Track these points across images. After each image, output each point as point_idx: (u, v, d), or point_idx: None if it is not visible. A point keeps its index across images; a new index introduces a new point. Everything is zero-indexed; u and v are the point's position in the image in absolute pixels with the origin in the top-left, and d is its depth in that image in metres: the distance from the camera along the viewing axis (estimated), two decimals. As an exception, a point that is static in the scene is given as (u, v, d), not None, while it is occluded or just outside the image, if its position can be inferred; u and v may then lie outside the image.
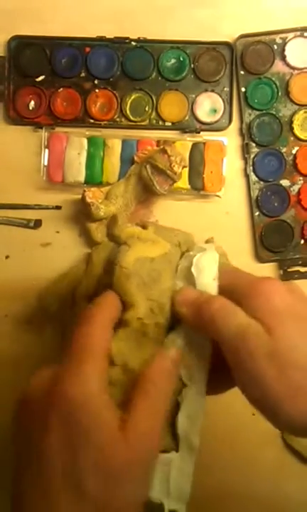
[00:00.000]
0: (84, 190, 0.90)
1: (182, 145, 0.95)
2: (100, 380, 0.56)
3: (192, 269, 0.66)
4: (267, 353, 0.56)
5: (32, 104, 0.97)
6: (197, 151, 0.95)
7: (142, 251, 0.69)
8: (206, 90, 0.97)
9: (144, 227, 0.76)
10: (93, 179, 0.94)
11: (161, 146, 0.91)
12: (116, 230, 0.69)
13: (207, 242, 0.94)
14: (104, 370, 0.58)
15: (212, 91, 0.97)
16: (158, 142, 0.94)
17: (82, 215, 0.94)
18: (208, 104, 0.98)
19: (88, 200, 0.89)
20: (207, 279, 0.65)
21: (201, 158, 0.95)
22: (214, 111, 0.97)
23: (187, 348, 0.65)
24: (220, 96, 0.97)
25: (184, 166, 0.90)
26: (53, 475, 0.52)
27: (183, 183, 0.94)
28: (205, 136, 0.96)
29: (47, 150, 0.94)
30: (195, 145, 0.95)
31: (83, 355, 0.57)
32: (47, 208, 0.96)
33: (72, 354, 0.58)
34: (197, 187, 0.95)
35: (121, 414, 0.56)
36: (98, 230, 0.92)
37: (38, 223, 0.96)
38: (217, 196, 0.96)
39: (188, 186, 0.95)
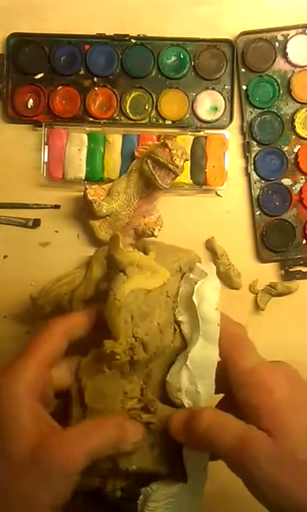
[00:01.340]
0: (86, 188, 0.90)
1: (184, 139, 0.95)
2: (31, 384, 0.61)
3: (194, 298, 0.66)
4: (274, 457, 0.55)
5: (30, 102, 0.97)
6: (198, 145, 0.96)
7: (139, 283, 0.68)
8: (207, 88, 0.98)
9: (146, 251, 0.76)
10: (94, 175, 0.95)
11: (162, 140, 0.91)
12: (117, 254, 0.68)
13: (207, 242, 0.94)
14: (41, 376, 0.63)
15: (213, 89, 0.98)
16: (158, 137, 0.94)
17: (81, 213, 0.95)
18: (209, 102, 0.98)
19: (90, 197, 0.90)
20: (209, 309, 0.65)
21: (203, 152, 0.96)
22: (215, 109, 0.98)
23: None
24: (221, 94, 0.97)
25: (185, 159, 0.91)
26: None
27: (185, 177, 0.95)
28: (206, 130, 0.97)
29: (47, 146, 0.95)
30: (196, 139, 0.96)
31: (27, 357, 0.64)
32: (46, 207, 0.96)
33: (20, 354, 0.65)
34: (200, 181, 0.95)
35: (48, 423, 0.61)
36: (101, 227, 0.93)
37: (36, 223, 0.96)
38: (219, 195, 0.96)
39: (190, 181, 0.95)
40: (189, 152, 0.95)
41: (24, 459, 0.57)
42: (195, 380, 0.65)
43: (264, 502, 0.57)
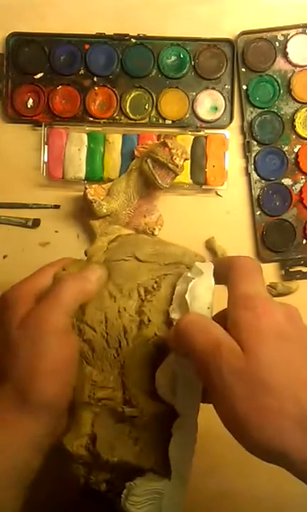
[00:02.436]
0: (86, 188, 0.91)
1: (184, 139, 0.96)
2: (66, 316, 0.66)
3: (186, 296, 0.65)
4: (238, 370, 0.54)
5: (30, 102, 0.98)
6: (199, 145, 0.97)
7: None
8: (207, 88, 0.99)
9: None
10: (94, 175, 0.96)
11: (162, 140, 0.92)
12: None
13: (207, 242, 0.95)
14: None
15: (213, 88, 0.99)
16: (158, 136, 0.95)
17: (82, 213, 0.96)
18: (209, 102, 0.99)
19: (90, 197, 0.91)
20: (201, 308, 0.64)
21: (203, 152, 0.97)
22: (215, 109, 0.99)
23: (179, 381, 0.65)
24: (221, 93, 0.99)
25: (185, 159, 0.92)
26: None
27: (185, 177, 0.96)
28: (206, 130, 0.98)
29: (46, 146, 0.96)
30: (196, 139, 0.97)
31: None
32: (45, 207, 0.97)
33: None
34: (200, 181, 0.96)
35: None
36: (101, 227, 0.94)
37: (36, 222, 0.97)
38: (219, 195, 0.97)
39: (190, 181, 0.96)
40: (189, 152, 0.96)
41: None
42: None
43: (221, 418, 0.57)
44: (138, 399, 0.68)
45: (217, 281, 0.64)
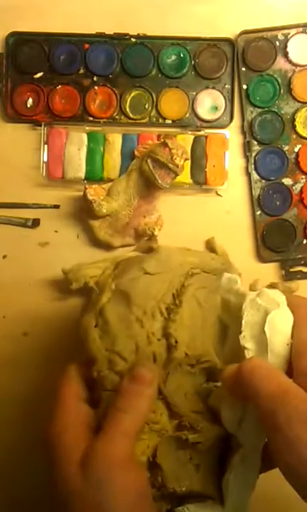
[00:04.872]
0: (86, 188, 0.94)
1: (184, 139, 0.98)
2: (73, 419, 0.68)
3: (266, 329, 0.66)
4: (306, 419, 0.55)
5: (30, 101, 1.00)
6: (199, 145, 0.99)
7: None
8: (207, 87, 1.01)
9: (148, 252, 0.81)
10: (94, 175, 0.98)
11: (162, 140, 0.95)
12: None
13: (207, 242, 0.98)
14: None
15: (213, 88, 1.01)
16: (159, 136, 0.97)
17: (81, 213, 0.98)
18: (209, 102, 1.01)
19: (90, 197, 0.93)
20: (281, 343, 0.65)
21: (203, 152, 0.99)
22: (215, 108, 1.01)
23: (248, 414, 0.66)
24: (221, 93, 1.01)
25: (186, 159, 0.94)
26: None
27: (185, 177, 0.98)
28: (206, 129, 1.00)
29: (46, 146, 0.98)
30: (196, 138, 0.99)
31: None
32: (45, 206, 0.99)
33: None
34: (200, 181, 0.98)
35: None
36: (101, 227, 0.96)
37: (36, 222, 0.99)
38: (219, 195, 1.00)
39: (190, 181, 0.98)
40: (189, 152, 0.98)
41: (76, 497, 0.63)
42: None
43: (281, 465, 0.58)
44: (200, 423, 0.70)
45: None
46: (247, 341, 0.67)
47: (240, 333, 0.68)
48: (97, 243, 0.99)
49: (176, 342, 0.70)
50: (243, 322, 0.68)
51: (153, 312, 0.72)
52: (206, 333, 0.74)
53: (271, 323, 0.65)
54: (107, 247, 0.98)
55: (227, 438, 0.71)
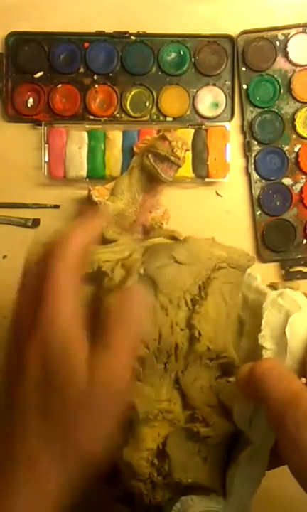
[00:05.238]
0: (90, 190, 0.94)
1: (185, 133, 0.99)
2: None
3: (287, 331, 0.65)
4: None
5: (30, 101, 1.01)
6: (199, 138, 0.99)
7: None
8: (207, 84, 1.02)
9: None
10: (95, 173, 0.99)
11: (160, 133, 0.95)
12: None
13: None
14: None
15: (214, 85, 1.02)
16: (158, 131, 0.98)
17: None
18: (209, 99, 1.02)
19: (95, 198, 0.93)
20: (300, 346, 0.65)
21: (204, 145, 0.99)
22: (216, 105, 1.02)
23: (260, 413, 0.66)
24: (222, 90, 1.02)
25: (186, 150, 0.94)
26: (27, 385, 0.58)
27: (187, 171, 0.99)
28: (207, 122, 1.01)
29: (47, 146, 0.98)
30: (197, 132, 0.99)
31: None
32: (45, 207, 1.00)
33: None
34: (202, 175, 0.99)
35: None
36: (108, 227, 0.94)
37: (36, 222, 1.00)
38: (219, 195, 1.01)
39: (192, 174, 0.99)
40: (190, 145, 0.98)
41: (84, 397, 0.58)
42: None
43: (290, 466, 0.57)
44: (212, 418, 0.70)
45: None
46: (266, 341, 0.68)
47: (260, 331, 0.68)
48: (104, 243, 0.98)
49: (200, 334, 0.70)
50: (263, 321, 0.69)
51: (179, 302, 0.71)
52: (229, 328, 0.74)
53: (292, 325, 0.66)
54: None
55: (236, 434, 0.71)
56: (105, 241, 0.96)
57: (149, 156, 0.94)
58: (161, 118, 1.02)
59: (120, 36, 1.01)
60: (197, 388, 0.71)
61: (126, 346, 0.60)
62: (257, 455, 0.68)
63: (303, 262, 1.01)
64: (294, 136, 1.02)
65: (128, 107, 1.02)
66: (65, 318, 0.58)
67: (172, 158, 0.92)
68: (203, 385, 0.72)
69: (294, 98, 1.01)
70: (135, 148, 0.97)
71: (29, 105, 1.01)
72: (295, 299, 0.68)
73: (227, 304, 0.74)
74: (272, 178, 1.01)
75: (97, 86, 1.02)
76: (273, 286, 0.98)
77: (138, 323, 0.61)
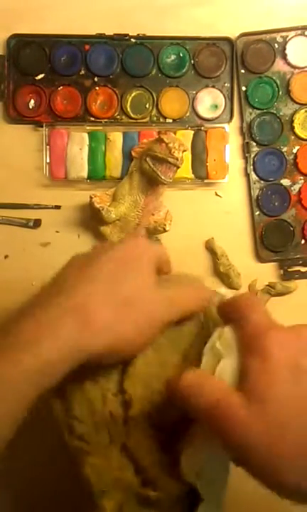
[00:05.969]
0: (91, 197, 0.96)
1: (184, 134, 1.01)
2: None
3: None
4: (248, 426, 0.56)
5: (32, 102, 1.03)
6: (199, 139, 1.01)
7: None
8: (207, 86, 1.04)
9: None
10: (96, 174, 1.01)
11: (157, 136, 0.97)
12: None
13: (207, 243, 1.00)
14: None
15: (213, 87, 1.04)
16: (159, 133, 0.99)
17: (83, 214, 1.01)
18: (209, 100, 1.04)
19: (97, 205, 0.95)
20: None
21: (203, 146, 1.01)
22: (215, 107, 1.04)
23: (206, 467, 0.66)
24: (221, 92, 1.04)
25: (184, 150, 0.96)
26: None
27: (187, 172, 1.00)
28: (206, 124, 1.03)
29: (48, 147, 1.00)
30: (196, 133, 1.01)
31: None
32: (46, 207, 1.02)
33: None
34: (201, 176, 1.01)
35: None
36: (112, 232, 0.99)
37: (37, 223, 1.01)
38: (218, 196, 1.02)
39: (192, 175, 1.01)
40: (189, 146, 1.00)
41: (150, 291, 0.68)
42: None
43: (238, 464, 0.60)
44: (162, 481, 0.69)
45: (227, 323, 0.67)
46: None
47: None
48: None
49: (131, 399, 0.70)
50: (202, 365, 0.66)
51: (109, 368, 0.71)
52: (167, 376, 0.71)
53: (220, 375, 0.63)
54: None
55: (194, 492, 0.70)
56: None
57: (148, 159, 0.96)
58: (161, 119, 1.04)
59: (120, 39, 1.03)
60: (145, 450, 0.71)
61: None
62: (209, 509, 0.68)
63: (301, 261, 1.02)
64: (293, 137, 1.03)
65: (128, 109, 1.03)
66: None
67: (170, 159, 0.94)
68: (150, 445, 0.71)
69: (293, 100, 1.03)
70: (133, 153, 0.99)
71: (30, 107, 1.03)
72: (230, 342, 0.65)
73: (162, 347, 0.72)
74: (271, 179, 1.03)
75: (97, 88, 1.03)
76: (271, 286, 1.00)
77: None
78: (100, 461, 0.70)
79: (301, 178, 1.03)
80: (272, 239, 1.02)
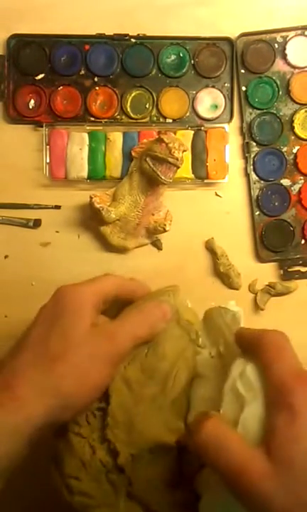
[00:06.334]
0: (91, 197, 0.96)
1: (184, 134, 1.01)
2: (93, 295, 0.73)
3: (239, 429, 0.61)
4: (272, 491, 0.55)
5: (32, 102, 1.03)
6: (199, 139, 1.02)
7: None
8: (207, 86, 1.04)
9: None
10: (96, 174, 1.01)
11: (157, 136, 0.97)
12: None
13: (207, 243, 1.00)
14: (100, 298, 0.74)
15: (213, 87, 1.04)
16: (159, 133, 1.00)
17: (83, 214, 1.01)
18: (209, 100, 1.04)
19: (97, 205, 0.96)
20: (252, 440, 0.60)
21: (203, 146, 1.02)
22: (215, 107, 1.04)
23: (228, 507, 0.62)
24: (221, 92, 1.04)
25: (184, 150, 0.96)
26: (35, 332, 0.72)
27: (187, 172, 1.01)
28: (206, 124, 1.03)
29: (48, 147, 1.00)
30: (196, 133, 1.02)
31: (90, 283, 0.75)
32: (46, 207, 1.02)
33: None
34: (201, 176, 1.01)
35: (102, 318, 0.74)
36: (112, 233, 0.99)
37: (37, 223, 1.02)
38: (218, 196, 1.03)
39: (192, 175, 1.01)
40: (189, 146, 1.00)
41: (80, 338, 0.69)
42: None
43: None
44: None
45: (247, 356, 0.66)
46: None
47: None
48: (100, 244, 1.02)
49: (115, 447, 0.69)
50: (221, 410, 0.65)
51: (87, 419, 0.71)
52: (146, 413, 0.72)
53: (243, 422, 0.62)
54: (123, 250, 1.02)
55: None
56: (112, 247, 1.00)
57: (147, 159, 0.96)
58: (161, 119, 1.04)
59: (120, 39, 1.03)
60: (151, 493, 0.71)
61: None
62: None
63: (301, 261, 1.02)
64: (293, 137, 1.04)
65: (128, 109, 1.04)
66: None
67: (170, 159, 0.94)
68: (155, 486, 0.71)
69: (293, 100, 1.03)
70: (133, 153, 1.00)
71: (30, 107, 1.03)
72: (254, 384, 0.64)
73: (134, 386, 0.72)
74: (271, 179, 1.03)
75: (97, 88, 1.04)
76: (271, 286, 1.00)
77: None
78: (108, 511, 0.69)
79: (301, 178, 1.03)
80: (272, 239, 1.02)
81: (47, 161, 1.00)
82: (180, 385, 0.73)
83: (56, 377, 0.66)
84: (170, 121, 1.04)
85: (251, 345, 0.66)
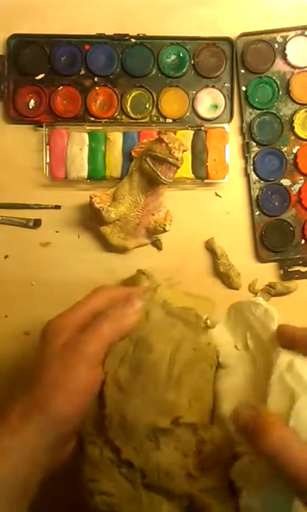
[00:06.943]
0: (91, 197, 0.97)
1: (184, 134, 1.02)
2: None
3: (291, 423, 0.63)
4: None
5: (32, 102, 1.04)
6: (199, 139, 1.02)
7: None
8: (207, 86, 1.05)
9: None
10: (96, 174, 1.01)
11: (157, 136, 0.98)
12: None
13: (207, 243, 1.01)
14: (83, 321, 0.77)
15: (213, 87, 1.05)
16: (159, 133, 1.00)
17: (82, 214, 1.02)
18: (209, 100, 1.05)
19: (97, 205, 0.96)
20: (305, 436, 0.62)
21: (203, 146, 1.02)
22: (215, 107, 1.05)
23: (269, 502, 0.66)
24: (221, 92, 1.05)
25: (184, 150, 0.96)
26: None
27: (187, 172, 1.01)
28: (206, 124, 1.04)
29: (48, 147, 1.01)
30: (196, 133, 1.02)
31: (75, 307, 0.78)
32: (46, 207, 1.03)
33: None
34: (201, 176, 1.02)
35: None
36: (113, 233, 1.00)
37: (37, 223, 1.02)
38: (218, 196, 1.03)
39: (192, 175, 1.02)
40: (189, 146, 1.01)
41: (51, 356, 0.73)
42: None
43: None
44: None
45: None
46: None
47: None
48: (100, 244, 1.03)
49: (115, 446, 0.73)
50: (269, 399, 0.67)
51: (96, 427, 0.75)
52: (136, 404, 0.74)
53: (297, 415, 0.64)
54: (123, 250, 1.02)
55: None
56: (112, 247, 1.01)
57: (147, 159, 0.96)
58: (161, 119, 1.05)
59: (120, 39, 1.04)
60: (165, 476, 0.72)
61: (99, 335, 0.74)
62: None
63: (301, 261, 1.03)
64: (293, 137, 1.04)
65: (128, 109, 1.04)
66: None
67: (170, 159, 0.94)
68: (166, 468, 0.72)
69: (293, 100, 1.04)
70: (133, 153, 1.00)
71: (30, 107, 1.04)
72: (304, 376, 0.66)
73: (124, 387, 0.75)
74: (271, 179, 1.04)
75: (97, 88, 1.04)
76: (271, 286, 1.01)
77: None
78: (132, 506, 0.72)
79: (301, 178, 1.04)
80: (272, 239, 1.03)
81: (47, 161, 1.01)
82: (179, 368, 0.74)
83: (36, 397, 0.71)
84: (170, 121, 1.05)
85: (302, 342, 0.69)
